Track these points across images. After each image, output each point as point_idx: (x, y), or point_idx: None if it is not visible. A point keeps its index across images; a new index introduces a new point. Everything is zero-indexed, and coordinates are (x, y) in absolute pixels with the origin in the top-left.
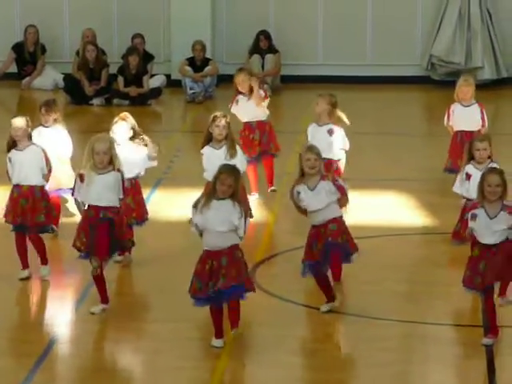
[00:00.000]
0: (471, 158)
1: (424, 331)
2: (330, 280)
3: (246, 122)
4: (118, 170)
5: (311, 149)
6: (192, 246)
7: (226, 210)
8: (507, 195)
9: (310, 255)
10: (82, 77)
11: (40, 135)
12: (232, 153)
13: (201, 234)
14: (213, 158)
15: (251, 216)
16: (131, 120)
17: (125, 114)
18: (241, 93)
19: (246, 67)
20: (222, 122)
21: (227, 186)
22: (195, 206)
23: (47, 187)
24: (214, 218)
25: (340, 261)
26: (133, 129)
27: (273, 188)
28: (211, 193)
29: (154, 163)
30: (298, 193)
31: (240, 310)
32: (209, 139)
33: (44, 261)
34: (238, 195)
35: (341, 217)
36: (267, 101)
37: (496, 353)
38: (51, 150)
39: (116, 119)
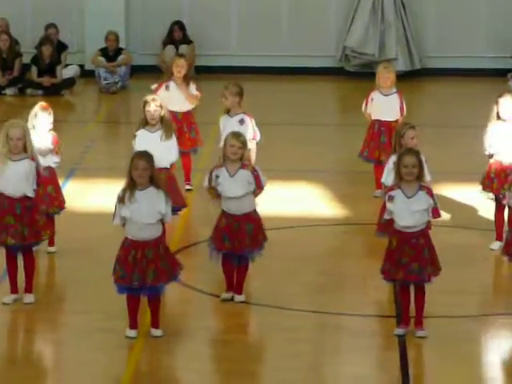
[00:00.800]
0: (401, 147)
1: (337, 322)
2: (234, 270)
3: (172, 111)
4: (33, 159)
5: (237, 136)
6: (106, 236)
7: (151, 199)
8: (423, 176)
9: (221, 245)
10: None
11: None
12: (167, 134)
13: (123, 225)
14: (146, 140)
15: (185, 206)
16: (50, 110)
17: (47, 104)
18: (171, 79)
19: (186, 56)
20: (152, 105)
21: (141, 170)
22: (120, 199)
23: None
24: (140, 209)
25: (246, 273)
26: (50, 119)
27: (189, 187)
28: (131, 184)
29: (53, 163)
30: (217, 176)
31: (159, 312)
32: (145, 122)
33: None
34: (157, 180)
35: (255, 211)
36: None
37: (409, 343)
38: None
39: (38, 109)
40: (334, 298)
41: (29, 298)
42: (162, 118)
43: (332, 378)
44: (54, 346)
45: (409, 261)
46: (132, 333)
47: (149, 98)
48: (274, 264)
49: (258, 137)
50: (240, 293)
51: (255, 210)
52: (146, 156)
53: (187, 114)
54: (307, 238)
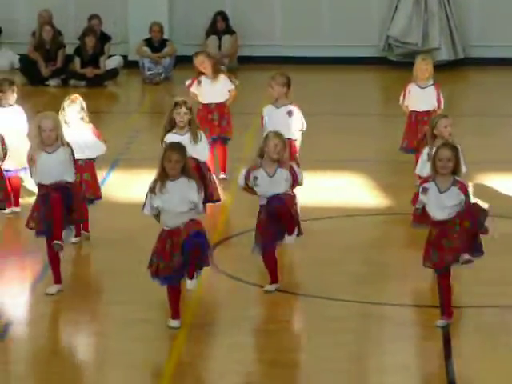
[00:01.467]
0: (435, 137)
1: (380, 312)
2: (277, 261)
3: (205, 104)
4: (68, 145)
5: (280, 136)
6: (147, 228)
7: (182, 188)
8: (461, 171)
9: (261, 238)
10: (38, 58)
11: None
12: (195, 138)
13: (156, 216)
14: None
15: (219, 200)
16: (81, 102)
17: (75, 95)
18: (202, 73)
19: (204, 50)
20: (183, 109)
21: (174, 162)
22: (152, 190)
23: (8, 167)
24: (172, 199)
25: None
26: (82, 111)
27: (223, 176)
28: (163, 175)
29: (102, 150)
30: (256, 178)
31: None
32: (171, 125)
33: None
34: (189, 171)
35: (293, 197)
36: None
37: (453, 334)
38: (12, 130)
39: (66, 101)
40: (377, 288)
41: (54, 289)
42: (189, 121)
43: (375, 367)
44: (95, 336)
45: (448, 246)
46: (175, 323)
47: (180, 100)
48: (316, 254)
49: (305, 127)
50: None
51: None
52: (179, 148)
53: (221, 105)
54: (349, 227)
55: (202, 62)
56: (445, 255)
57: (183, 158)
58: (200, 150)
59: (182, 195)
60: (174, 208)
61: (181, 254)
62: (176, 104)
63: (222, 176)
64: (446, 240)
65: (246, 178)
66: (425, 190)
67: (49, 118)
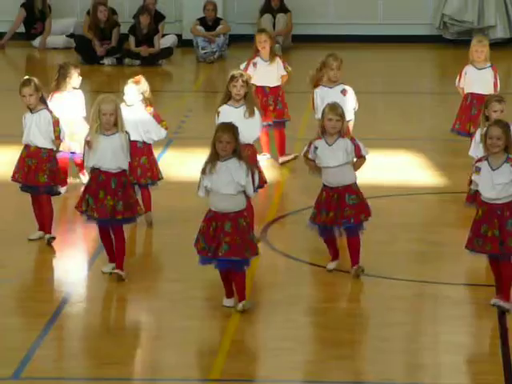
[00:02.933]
0: (487, 119)
1: (435, 291)
2: (337, 241)
3: (260, 86)
4: (126, 132)
5: (334, 109)
6: (204, 206)
7: (231, 170)
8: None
9: (319, 219)
10: (92, 37)
11: (59, 100)
12: (250, 111)
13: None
14: (230, 116)
15: (265, 182)
16: (143, 85)
17: (140, 76)
18: (257, 54)
19: (266, 29)
20: (240, 81)
21: (225, 143)
22: (203, 171)
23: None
24: (220, 179)
25: (359, 246)
26: (142, 94)
27: (284, 158)
28: (214, 155)
29: (163, 135)
30: (316, 148)
31: (244, 282)
32: (228, 98)
33: (47, 229)
34: (240, 152)
35: (355, 183)
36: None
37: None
38: (70, 114)
39: (129, 81)
40: (433, 267)
41: (121, 274)
42: (245, 94)
43: (431, 346)
44: (151, 314)
45: (492, 233)
46: (228, 302)
47: (236, 73)
48: (372, 233)
49: (357, 106)
50: (355, 263)
51: (355, 183)
52: (231, 128)
53: (275, 88)
54: (405, 206)
55: (265, 41)
56: (486, 244)
57: (235, 138)
58: (252, 125)
59: (230, 177)
60: (221, 189)
61: (219, 253)
62: (233, 77)
63: (281, 160)
64: (487, 227)
65: (307, 150)
66: (478, 170)
67: (109, 101)
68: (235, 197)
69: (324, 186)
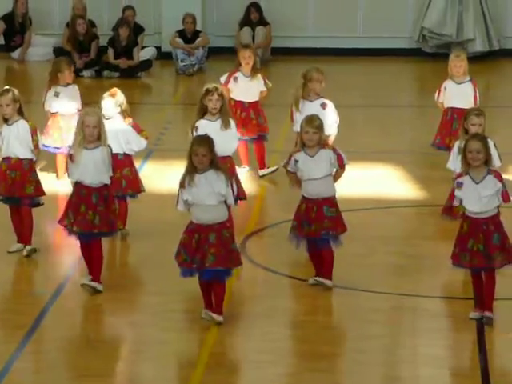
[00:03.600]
0: (466, 132)
1: (413, 304)
2: (321, 255)
3: (238, 101)
4: (107, 146)
5: (311, 121)
6: (183, 219)
7: (210, 181)
8: (491, 161)
9: (301, 231)
10: (71, 49)
11: (60, 94)
12: (226, 123)
13: (189, 210)
14: (207, 130)
15: (244, 197)
16: (119, 97)
17: (115, 89)
18: (239, 69)
19: (251, 45)
20: (215, 95)
21: (201, 156)
22: (181, 184)
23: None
24: (200, 192)
25: (332, 259)
26: (120, 106)
27: (264, 172)
28: (191, 168)
29: (143, 145)
30: (296, 161)
31: (224, 294)
32: (203, 112)
33: (27, 240)
34: (217, 163)
35: (334, 196)
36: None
37: (486, 326)
38: (66, 108)
39: (105, 95)
40: (411, 280)
41: (97, 287)
42: (221, 107)
43: (409, 359)
44: (131, 326)
45: (477, 247)
46: (219, 317)
47: (211, 87)
48: (350, 245)
49: (338, 120)
50: (328, 278)
51: (335, 196)
52: (206, 141)
53: (254, 103)
54: (384, 219)
55: (249, 57)
56: (474, 258)
57: (211, 151)
58: (229, 137)
59: (211, 188)
60: (203, 201)
61: (206, 264)
62: (208, 91)
63: (261, 173)
64: (473, 241)
65: (287, 163)
66: (459, 185)
67: (93, 114)
68: (217, 207)
69: (303, 197)
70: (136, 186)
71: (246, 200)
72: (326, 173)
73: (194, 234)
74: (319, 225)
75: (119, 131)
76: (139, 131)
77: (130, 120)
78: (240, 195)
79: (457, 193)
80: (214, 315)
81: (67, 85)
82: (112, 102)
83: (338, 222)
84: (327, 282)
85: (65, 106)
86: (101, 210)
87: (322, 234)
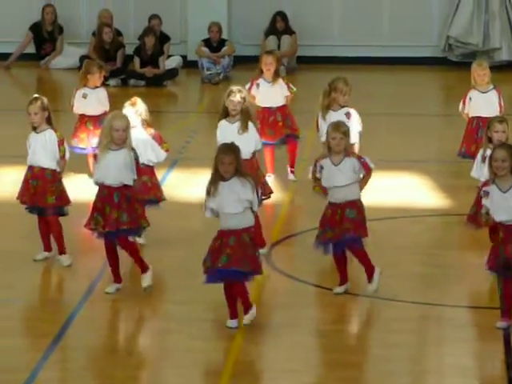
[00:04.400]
0: (489, 140)
1: (440, 313)
2: (347, 261)
3: (265, 107)
4: (132, 150)
5: (337, 127)
6: (208, 227)
7: (235, 189)
8: None
9: (324, 236)
10: (98, 58)
11: (88, 97)
12: (244, 127)
13: (217, 217)
14: (227, 132)
15: (271, 192)
16: (140, 106)
17: (135, 98)
18: (261, 76)
19: (275, 51)
20: (237, 97)
21: (227, 165)
22: (207, 192)
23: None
24: (225, 200)
25: (367, 257)
26: (140, 115)
27: (292, 177)
28: (216, 176)
29: (162, 157)
30: (321, 167)
31: (245, 293)
32: (225, 113)
33: (61, 249)
34: (242, 170)
35: (360, 200)
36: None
37: None
38: (94, 110)
39: (125, 104)
40: (437, 289)
41: (146, 280)
42: (242, 110)
43: (435, 369)
44: (156, 335)
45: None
46: (232, 323)
47: (234, 88)
48: (376, 254)
49: (361, 129)
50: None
51: (360, 199)
52: (232, 150)
53: (282, 107)
54: (410, 228)
55: (270, 63)
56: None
57: (237, 159)
58: (247, 140)
59: (236, 196)
60: (228, 209)
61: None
62: (231, 92)
63: (291, 177)
64: (508, 247)
65: (314, 170)
66: (486, 194)
67: (122, 118)
68: (243, 214)
69: (330, 203)
70: (155, 193)
71: (273, 194)
72: (350, 181)
73: (217, 239)
74: (340, 227)
75: (139, 141)
76: (160, 143)
77: (152, 131)
78: (267, 194)
79: (484, 201)
80: (245, 317)
81: (95, 87)
82: (132, 111)
83: (359, 225)
84: (373, 285)
85: (92, 107)
86: (125, 208)
87: (341, 236)
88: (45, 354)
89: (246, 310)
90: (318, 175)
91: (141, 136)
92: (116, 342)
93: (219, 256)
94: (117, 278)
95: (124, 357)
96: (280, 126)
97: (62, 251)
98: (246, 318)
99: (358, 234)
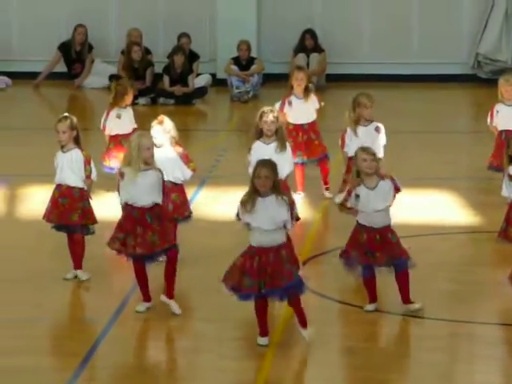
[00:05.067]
0: (510, 159)
1: (471, 330)
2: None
3: (298, 125)
4: (159, 170)
5: (366, 149)
6: (237, 245)
7: (271, 207)
8: None
9: (364, 259)
10: (126, 76)
11: (122, 116)
12: (282, 146)
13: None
14: (262, 152)
15: (298, 218)
16: (167, 124)
17: (162, 116)
18: (291, 93)
19: (304, 67)
20: (270, 117)
21: (264, 178)
22: (243, 205)
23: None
24: (261, 216)
25: (408, 280)
26: (169, 133)
27: (328, 195)
28: (253, 191)
29: (187, 176)
30: (357, 196)
31: (299, 306)
32: (259, 135)
33: (77, 265)
34: (279, 187)
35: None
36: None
37: None
38: (125, 129)
39: (153, 123)
40: (467, 307)
41: (175, 307)
42: (277, 130)
43: None
44: (185, 354)
45: None
46: (263, 340)
47: (266, 108)
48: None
49: (385, 142)
50: (406, 300)
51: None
52: (269, 164)
53: (312, 124)
54: (440, 245)
55: (301, 79)
56: None
57: (273, 173)
58: (283, 161)
59: (272, 213)
60: (263, 226)
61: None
62: (263, 113)
63: (327, 194)
64: None
65: (346, 200)
66: None
67: (149, 136)
68: (276, 231)
69: (362, 225)
70: (182, 212)
71: (301, 221)
72: (387, 203)
73: (254, 257)
74: (388, 252)
75: (166, 159)
76: (187, 162)
77: (180, 150)
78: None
79: None
80: (304, 331)
81: (126, 106)
82: (160, 130)
83: (402, 248)
84: (415, 305)
85: (126, 127)
86: (157, 229)
87: (394, 261)
88: (74, 374)
89: (302, 324)
90: (349, 205)
91: (169, 154)
92: (146, 362)
93: (264, 278)
94: (146, 296)
95: (153, 376)
96: (316, 144)
97: (76, 266)
98: (308, 334)
99: (406, 257)
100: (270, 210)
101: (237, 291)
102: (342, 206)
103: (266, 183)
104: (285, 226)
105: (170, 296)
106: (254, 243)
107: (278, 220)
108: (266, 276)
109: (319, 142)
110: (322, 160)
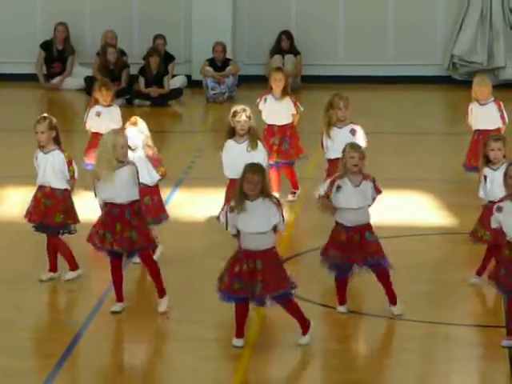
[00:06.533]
0: (487, 158)
1: (446, 332)
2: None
3: (269, 125)
4: (133, 164)
5: (355, 147)
6: (213, 246)
7: (261, 210)
8: None
9: (343, 259)
10: (102, 78)
11: (102, 115)
12: (253, 145)
13: (235, 235)
14: (234, 151)
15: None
16: (141, 124)
17: (135, 117)
18: (270, 92)
19: (283, 68)
20: (243, 116)
21: (254, 184)
22: (232, 209)
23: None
24: (249, 219)
25: (389, 278)
26: (143, 132)
27: (291, 198)
28: (241, 194)
29: (152, 182)
30: (339, 187)
31: (296, 310)
32: (231, 134)
33: (72, 265)
34: (267, 191)
35: (370, 222)
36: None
37: None
38: (107, 128)
39: (126, 125)
40: (443, 308)
41: (163, 305)
42: (249, 129)
43: None
44: (161, 355)
45: None
46: (239, 342)
47: (239, 108)
48: None
49: (365, 144)
50: (394, 303)
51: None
52: (259, 170)
53: (283, 127)
54: (415, 247)
55: (280, 80)
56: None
57: (263, 178)
58: (255, 159)
59: (261, 216)
60: (252, 229)
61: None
62: (236, 112)
63: (289, 197)
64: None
65: (329, 188)
66: (499, 209)
67: (122, 135)
68: (266, 234)
69: (341, 225)
70: (156, 215)
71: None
72: (364, 204)
73: (243, 260)
74: (362, 251)
75: (137, 160)
76: (157, 166)
77: (151, 152)
78: None
79: (497, 216)
80: (302, 338)
81: (109, 105)
82: (135, 130)
83: (380, 247)
84: (398, 310)
85: (105, 126)
86: (136, 225)
87: (368, 260)
88: (51, 374)
89: (306, 329)
90: (332, 194)
91: (139, 156)
92: (122, 362)
93: (253, 283)
94: (119, 296)
95: (129, 377)
96: (274, 149)
97: (72, 268)
98: (306, 341)
99: (383, 255)
100: (260, 212)
101: (226, 293)
102: (325, 196)
103: (255, 188)
104: (275, 229)
105: (160, 295)
106: (242, 245)
107: (267, 223)
108: (257, 282)
109: (279, 148)
110: (285, 165)
